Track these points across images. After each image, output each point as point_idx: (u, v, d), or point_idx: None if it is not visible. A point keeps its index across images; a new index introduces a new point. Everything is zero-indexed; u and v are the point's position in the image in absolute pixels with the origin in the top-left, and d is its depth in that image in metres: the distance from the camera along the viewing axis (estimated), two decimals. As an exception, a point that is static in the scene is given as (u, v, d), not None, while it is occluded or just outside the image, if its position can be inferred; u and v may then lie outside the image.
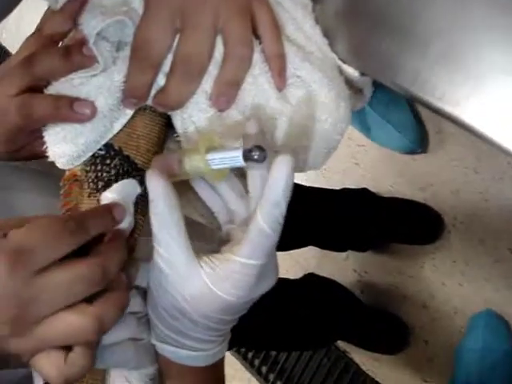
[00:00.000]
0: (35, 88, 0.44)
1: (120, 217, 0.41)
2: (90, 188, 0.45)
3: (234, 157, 0.39)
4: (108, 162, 0.45)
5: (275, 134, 0.46)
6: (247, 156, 0.38)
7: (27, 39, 0.47)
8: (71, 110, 0.43)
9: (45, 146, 0.45)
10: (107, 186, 0.44)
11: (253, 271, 0.38)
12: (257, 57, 0.45)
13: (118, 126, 0.45)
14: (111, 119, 0.45)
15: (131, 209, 0.43)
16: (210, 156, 0.40)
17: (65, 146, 0.44)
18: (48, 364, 0.37)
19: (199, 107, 0.46)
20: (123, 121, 0.45)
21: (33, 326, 0.35)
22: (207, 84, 0.45)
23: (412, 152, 1.28)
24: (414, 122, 1.26)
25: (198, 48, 0.44)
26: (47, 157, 0.46)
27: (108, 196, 0.43)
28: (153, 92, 0.45)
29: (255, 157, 0.38)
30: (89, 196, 0.44)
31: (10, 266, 0.33)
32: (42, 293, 0.34)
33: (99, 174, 0.45)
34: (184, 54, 0.44)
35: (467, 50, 0.40)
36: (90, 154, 0.45)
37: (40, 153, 0.46)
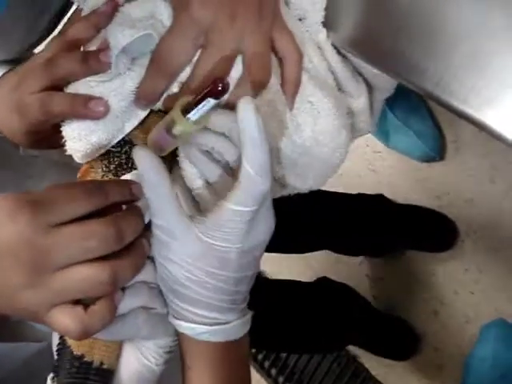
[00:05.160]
0: (56, 87, 0.48)
1: (137, 192, 0.42)
2: (104, 171, 0.48)
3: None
4: (119, 149, 0.48)
5: (281, 151, 0.50)
6: (214, 91, 0.40)
7: (51, 41, 0.51)
8: (86, 107, 0.46)
9: (63, 140, 0.48)
10: (119, 166, 0.48)
11: (243, 218, 0.40)
12: (273, 80, 0.48)
13: (129, 127, 0.48)
14: (123, 120, 0.47)
15: None
16: (187, 112, 0.42)
17: (79, 143, 0.47)
18: (67, 316, 0.37)
19: None
20: (135, 122, 0.48)
21: (48, 276, 0.36)
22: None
23: (430, 160, 1.28)
24: (434, 129, 1.27)
25: (218, 66, 0.46)
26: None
27: (126, 177, 0.46)
28: (164, 96, 0.48)
29: (219, 88, 0.40)
30: (102, 177, 0.48)
31: (29, 215, 0.35)
32: (57, 244, 0.36)
33: (111, 160, 0.48)
34: (202, 69, 0.46)
35: (491, 55, 0.41)
36: (103, 151, 0.48)
37: (62, 144, 0.49)
